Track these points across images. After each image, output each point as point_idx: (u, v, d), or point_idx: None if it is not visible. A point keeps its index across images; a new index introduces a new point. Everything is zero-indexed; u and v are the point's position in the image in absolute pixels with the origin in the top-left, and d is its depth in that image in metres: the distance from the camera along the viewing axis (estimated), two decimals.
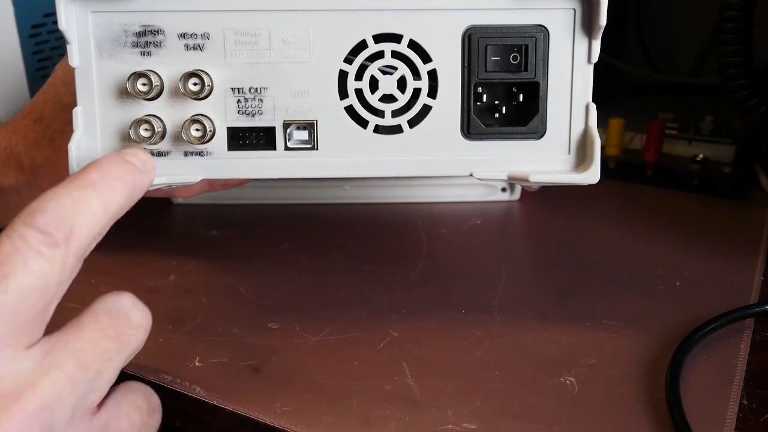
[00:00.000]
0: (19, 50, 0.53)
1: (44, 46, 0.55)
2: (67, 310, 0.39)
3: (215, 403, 0.32)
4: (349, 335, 0.36)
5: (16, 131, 0.42)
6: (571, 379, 0.33)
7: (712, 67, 0.54)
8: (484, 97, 0.32)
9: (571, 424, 0.30)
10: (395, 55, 0.32)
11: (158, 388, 0.33)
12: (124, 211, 0.28)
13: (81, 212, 0.26)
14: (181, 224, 0.50)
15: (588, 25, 0.31)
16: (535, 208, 0.52)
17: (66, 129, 0.41)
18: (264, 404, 0.32)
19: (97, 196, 0.27)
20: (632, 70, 0.71)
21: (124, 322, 0.27)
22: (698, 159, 0.53)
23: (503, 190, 0.52)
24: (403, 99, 0.32)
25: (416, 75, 0.32)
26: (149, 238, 0.47)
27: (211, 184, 0.43)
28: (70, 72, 0.32)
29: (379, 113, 0.32)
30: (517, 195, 0.52)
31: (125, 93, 0.31)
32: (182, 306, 0.39)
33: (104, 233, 0.27)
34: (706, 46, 0.68)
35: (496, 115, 0.32)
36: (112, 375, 0.27)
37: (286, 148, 0.32)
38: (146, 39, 0.31)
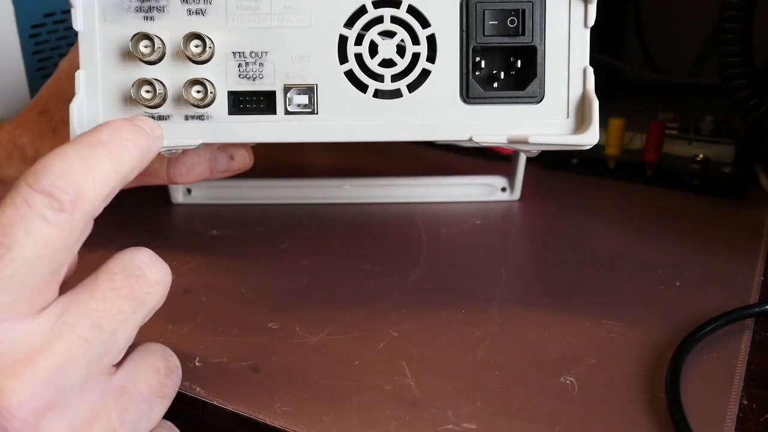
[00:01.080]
0: (19, 50, 0.53)
1: (44, 46, 0.55)
2: None
3: (215, 403, 0.32)
4: (349, 335, 0.36)
5: (21, 124, 0.42)
6: (571, 379, 0.33)
7: (712, 67, 0.54)
8: (483, 64, 0.32)
9: (571, 424, 0.30)
10: (394, 20, 0.32)
11: None
12: (134, 175, 0.27)
13: (90, 173, 0.25)
14: (181, 224, 0.50)
15: None
16: (535, 208, 0.52)
17: (69, 121, 0.41)
18: (264, 404, 0.32)
19: (108, 156, 0.25)
20: (632, 70, 0.71)
21: (140, 280, 0.26)
22: (698, 159, 0.53)
23: (503, 190, 0.52)
24: (402, 64, 0.32)
25: (415, 40, 0.32)
26: (149, 238, 0.47)
27: (211, 171, 0.43)
28: (75, 66, 0.32)
29: (379, 78, 0.32)
30: (517, 195, 0.52)
31: (128, 56, 0.32)
32: (182, 306, 0.39)
33: (113, 196, 0.26)
34: (706, 46, 0.69)
35: (495, 84, 0.32)
36: (128, 335, 0.26)
37: (287, 113, 0.32)
38: (149, 4, 0.31)
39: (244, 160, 0.44)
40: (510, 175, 0.52)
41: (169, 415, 0.34)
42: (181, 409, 0.33)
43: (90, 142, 0.26)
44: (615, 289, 0.40)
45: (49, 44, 0.55)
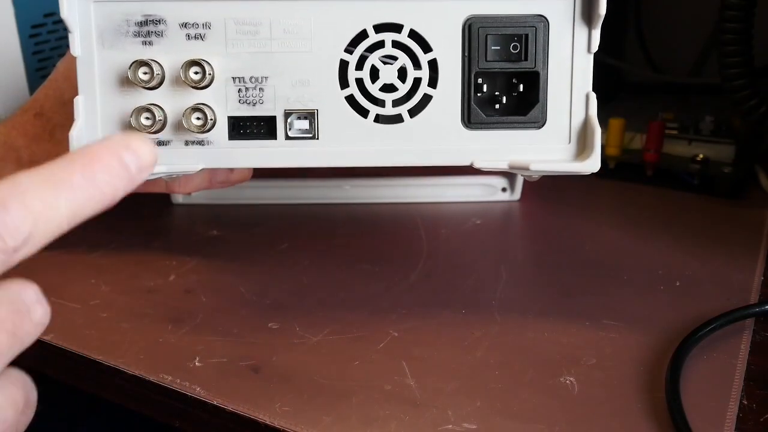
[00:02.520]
0: (19, 50, 0.53)
1: (44, 46, 0.55)
2: (69, 311, 0.39)
3: (215, 403, 0.32)
4: (349, 335, 0.36)
5: (16, 126, 0.42)
6: (571, 379, 0.33)
7: (712, 67, 0.54)
8: (485, 87, 0.32)
9: (571, 424, 0.30)
10: (396, 44, 0.32)
11: (158, 388, 0.33)
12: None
13: (44, 219, 0.23)
14: (181, 224, 0.50)
15: (588, 14, 0.31)
16: (535, 208, 0.52)
17: (66, 124, 0.41)
18: (264, 404, 0.32)
19: (69, 203, 0.23)
20: (632, 70, 0.71)
21: (25, 317, 0.24)
22: (698, 159, 0.53)
23: (503, 190, 0.52)
24: (403, 89, 0.32)
25: (417, 65, 0.32)
26: (149, 238, 0.47)
27: (210, 181, 0.43)
28: (72, 68, 0.32)
29: (380, 103, 0.32)
30: (517, 195, 0.52)
31: (126, 82, 0.31)
32: (182, 306, 0.39)
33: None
34: (706, 46, 0.68)
35: (497, 105, 0.32)
36: None
37: (287, 138, 0.32)
38: (148, 28, 0.31)
39: (243, 172, 0.44)
40: (510, 176, 0.52)
41: (169, 415, 0.34)
42: (181, 409, 0.33)
43: (57, 181, 0.23)
44: (615, 289, 0.40)
45: (49, 44, 0.55)
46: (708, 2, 0.56)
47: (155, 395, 0.33)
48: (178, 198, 0.52)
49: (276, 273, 0.43)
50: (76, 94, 0.32)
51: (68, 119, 0.40)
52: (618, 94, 0.68)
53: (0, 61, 0.53)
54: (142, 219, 0.50)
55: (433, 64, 0.32)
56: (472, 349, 0.35)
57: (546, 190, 0.54)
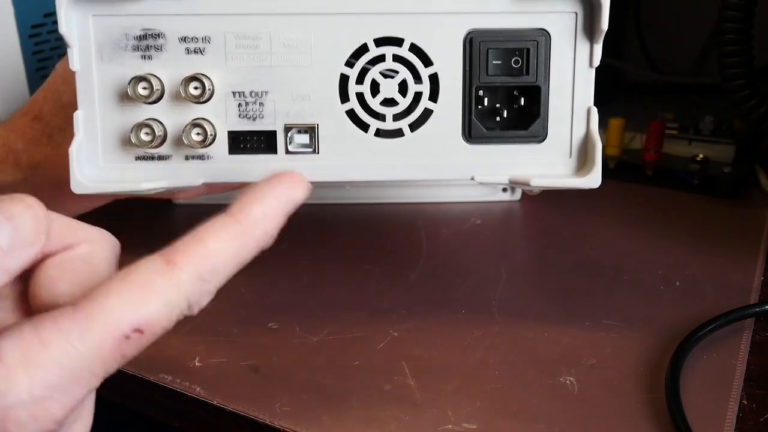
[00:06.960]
0: (19, 50, 0.53)
1: (44, 46, 0.55)
2: None
3: (215, 403, 0.32)
4: (349, 335, 0.36)
5: (15, 129, 0.42)
6: (571, 379, 0.33)
7: (712, 67, 0.54)
8: (486, 100, 0.32)
9: (571, 424, 0.30)
10: (396, 58, 0.31)
11: (158, 388, 0.33)
12: None
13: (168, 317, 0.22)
14: (182, 224, 0.50)
15: (590, 28, 0.31)
16: (535, 208, 0.52)
17: (65, 127, 0.41)
18: (264, 404, 0.32)
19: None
20: (632, 70, 0.71)
21: None
22: (698, 159, 0.53)
23: (504, 190, 0.52)
24: (404, 103, 0.32)
25: (417, 79, 0.32)
26: (149, 238, 0.47)
27: (212, 187, 0.43)
28: (71, 71, 0.32)
29: (380, 117, 0.32)
30: (517, 195, 0.52)
31: (126, 97, 0.31)
32: None
33: None
34: (706, 46, 0.69)
35: (498, 118, 0.32)
36: None
37: (287, 152, 0.32)
38: (147, 43, 0.31)
39: None
40: None
41: (169, 415, 0.34)
42: (181, 409, 0.33)
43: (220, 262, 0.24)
44: (615, 289, 0.40)
45: (49, 44, 0.55)
46: (708, 2, 0.56)
47: (155, 395, 0.33)
48: (179, 199, 0.52)
49: (276, 273, 0.43)
50: (75, 97, 0.32)
51: (67, 123, 0.40)
52: (618, 94, 0.68)
53: (0, 61, 0.53)
54: (142, 219, 0.50)
55: (433, 78, 0.32)
56: (472, 349, 0.35)
57: (546, 191, 0.54)
